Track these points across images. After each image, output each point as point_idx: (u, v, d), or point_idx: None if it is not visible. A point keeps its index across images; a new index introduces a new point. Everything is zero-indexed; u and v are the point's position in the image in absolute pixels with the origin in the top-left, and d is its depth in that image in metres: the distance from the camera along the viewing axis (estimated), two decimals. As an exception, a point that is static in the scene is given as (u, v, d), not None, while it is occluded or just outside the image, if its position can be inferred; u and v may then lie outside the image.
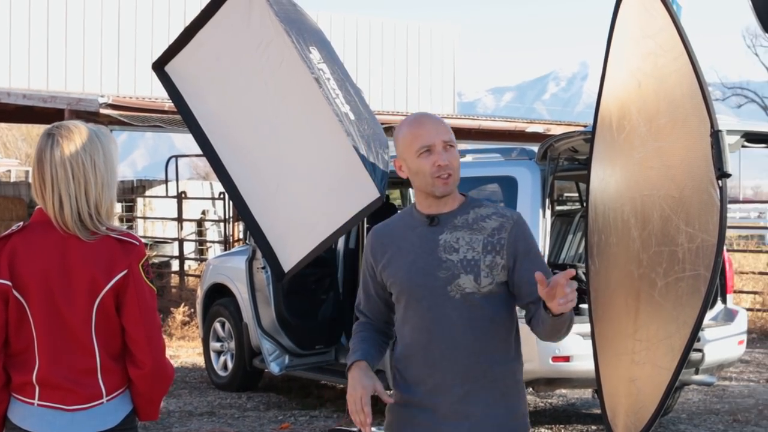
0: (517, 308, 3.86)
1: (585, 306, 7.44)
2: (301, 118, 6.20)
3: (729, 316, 9.47)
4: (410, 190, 15.14)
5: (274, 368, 10.00)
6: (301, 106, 6.16)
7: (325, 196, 6.17)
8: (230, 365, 11.13)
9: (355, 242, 10.68)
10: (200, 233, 22.18)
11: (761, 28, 3.83)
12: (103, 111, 15.42)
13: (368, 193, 5.79)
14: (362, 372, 3.78)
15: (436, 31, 31.17)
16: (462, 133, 18.65)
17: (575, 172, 9.22)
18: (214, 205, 22.39)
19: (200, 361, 12.47)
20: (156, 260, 18.92)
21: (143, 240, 4.20)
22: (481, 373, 3.76)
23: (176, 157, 21.35)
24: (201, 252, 21.42)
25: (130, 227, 20.64)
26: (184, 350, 14.08)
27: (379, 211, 6.49)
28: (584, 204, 7.61)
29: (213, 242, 20.88)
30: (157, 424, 9.46)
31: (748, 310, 14.10)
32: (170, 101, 6.90)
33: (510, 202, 8.48)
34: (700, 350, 8.51)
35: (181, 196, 19.21)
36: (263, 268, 9.87)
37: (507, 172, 9.00)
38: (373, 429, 3.73)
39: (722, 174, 4.19)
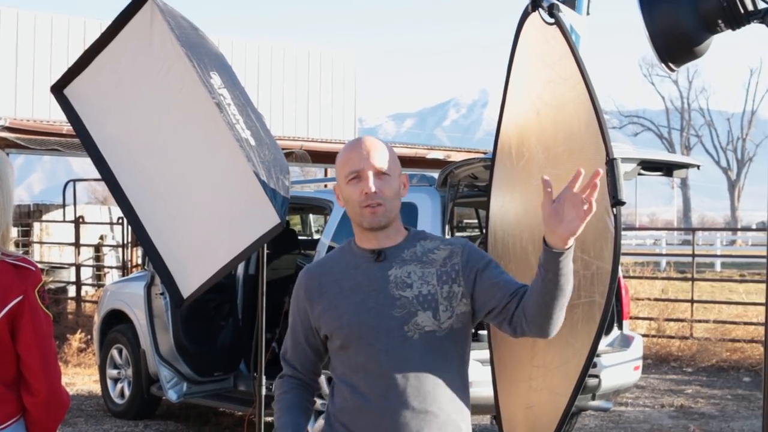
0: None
1: (484, 332, 7.50)
2: (202, 144, 6.17)
3: (625, 342, 9.60)
4: (311, 217, 15.15)
5: (171, 396, 9.90)
6: (202, 131, 6.12)
7: (226, 222, 6.14)
8: (127, 393, 10.99)
9: (254, 268, 10.64)
10: (98, 258, 21.87)
11: (657, 58, 3.91)
12: (-1, 134, 15.21)
13: (269, 219, 5.77)
14: None
15: (336, 56, 31.23)
16: (363, 160, 18.64)
17: (475, 199, 9.31)
18: (112, 230, 22.12)
19: (97, 388, 12.30)
20: (52, 286, 18.60)
21: (39, 265, 4.10)
22: (441, 421, 3.43)
23: (74, 181, 21.07)
24: (98, 278, 21.11)
25: (27, 252, 20.28)
26: (80, 377, 13.86)
27: (280, 236, 6.47)
28: (484, 230, 7.67)
29: (111, 268, 20.60)
30: (52, 453, 9.28)
31: (644, 336, 14.30)
32: (69, 124, 6.81)
33: (410, 229, 8.46)
34: (596, 376, 8.61)
35: (78, 221, 18.96)
36: (162, 294, 9.78)
37: (407, 198, 8.98)
38: None
39: (617, 202, 4.25)
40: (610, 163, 4.31)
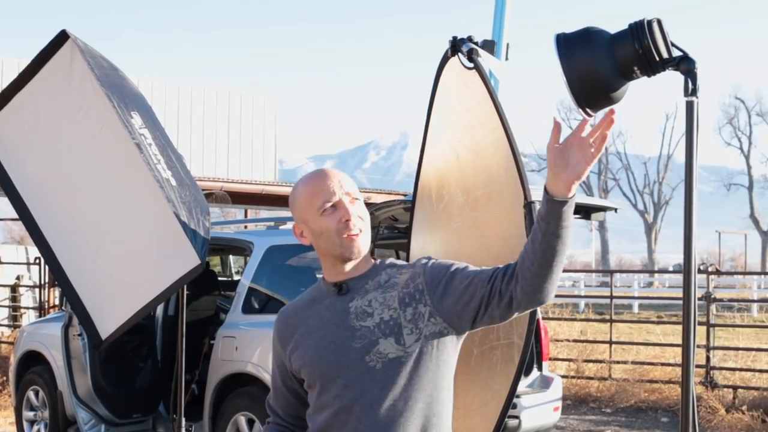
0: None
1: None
2: (122, 184, 6.14)
3: (544, 383, 9.66)
4: (230, 258, 15.07)
5: (89, 438, 9.78)
6: (122, 171, 6.10)
7: (145, 263, 6.11)
8: (44, 435, 10.84)
9: (174, 309, 10.55)
10: (14, 299, 21.57)
11: (575, 103, 3.97)
12: None
13: (189, 259, 5.75)
14: None
15: (257, 97, 31.24)
16: (283, 201, 18.68)
17: (395, 241, 9.34)
18: (29, 270, 21.84)
19: (13, 430, 12.09)
20: (-33, 327, 18.34)
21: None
22: None
23: (-10, 220, 20.82)
24: (15, 318, 20.81)
25: (-60, 292, 19.96)
26: (-5, 420, 13.64)
27: (200, 278, 6.44)
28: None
29: (27, 308, 20.33)
30: (-35, 498, 9.13)
31: (563, 377, 14.40)
32: (-15, 164, 6.74)
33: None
34: (516, 417, 8.65)
35: (-6, 261, 18.74)
36: (80, 335, 9.66)
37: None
38: None
39: (536, 244, 4.30)
40: (528, 207, 4.36)
